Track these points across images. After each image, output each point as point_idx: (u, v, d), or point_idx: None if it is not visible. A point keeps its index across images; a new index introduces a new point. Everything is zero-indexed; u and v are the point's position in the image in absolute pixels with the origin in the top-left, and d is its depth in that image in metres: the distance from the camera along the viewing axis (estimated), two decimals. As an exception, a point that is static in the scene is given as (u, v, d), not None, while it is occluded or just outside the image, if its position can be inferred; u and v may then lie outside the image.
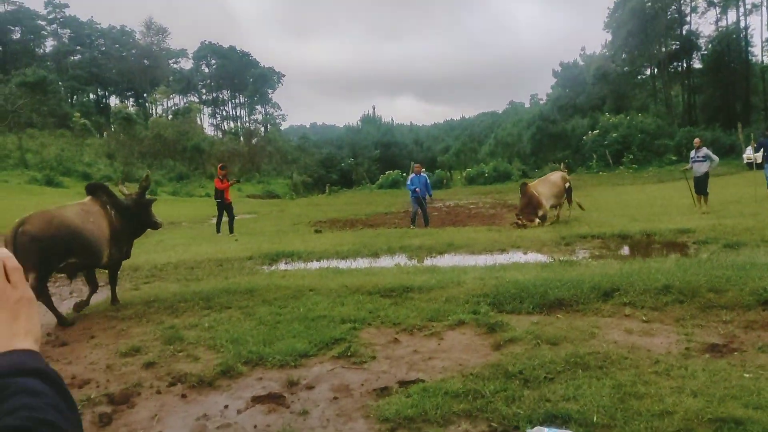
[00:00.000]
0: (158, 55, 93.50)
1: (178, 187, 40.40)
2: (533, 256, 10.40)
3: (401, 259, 10.72)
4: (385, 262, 10.59)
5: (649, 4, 48.00)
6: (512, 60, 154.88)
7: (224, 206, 15.97)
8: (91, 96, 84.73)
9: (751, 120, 40.93)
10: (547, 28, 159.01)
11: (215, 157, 53.03)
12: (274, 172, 55.30)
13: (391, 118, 62.86)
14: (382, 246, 11.64)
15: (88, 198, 6.99)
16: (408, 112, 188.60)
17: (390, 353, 4.82)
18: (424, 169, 17.61)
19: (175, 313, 6.39)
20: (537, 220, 14.32)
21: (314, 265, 10.21)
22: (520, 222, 14.28)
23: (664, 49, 51.13)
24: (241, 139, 65.50)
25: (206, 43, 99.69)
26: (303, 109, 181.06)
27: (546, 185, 14.88)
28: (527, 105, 70.40)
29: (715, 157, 15.52)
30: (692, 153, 15.80)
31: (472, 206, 24.45)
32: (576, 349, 4.49)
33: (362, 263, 10.36)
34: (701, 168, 15.30)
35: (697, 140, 16.09)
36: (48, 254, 5.98)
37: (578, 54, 54.37)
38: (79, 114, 53.72)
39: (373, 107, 57.68)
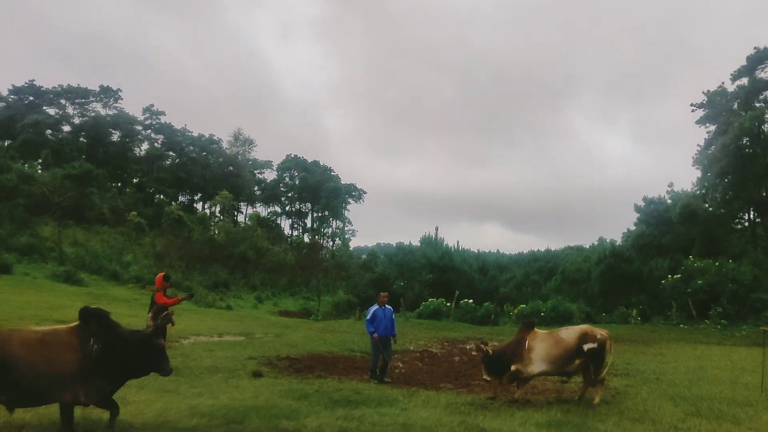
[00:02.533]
0: (243, 165, 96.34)
1: (211, 297, 37.85)
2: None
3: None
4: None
5: (746, 141, 43.34)
6: (601, 193, 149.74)
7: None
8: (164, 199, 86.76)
9: None
10: (636, 161, 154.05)
11: (263, 267, 51.09)
12: (326, 289, 52.39)
13: (457, 242, 59.27)
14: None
15: (74, 324, 6.29)
16: (493, 239, 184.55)
17: None
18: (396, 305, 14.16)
19: None
20: (505, 380, 10.42)
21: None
22: (488, 379, 10.65)
23: (765, 193, 45.59)
24: (300, 250, 63.84)
25: (291, 156, 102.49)
26: (383, 228, 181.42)
27: (547, 342, 10.54)
28: (618, 241, 64.80)
29: None
30: None
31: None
32: None
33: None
34: None
35: None
36: None
37: (665, 190, 49.68)
38: (135, 213, 53.93)
39: (436, 228, 54.55)
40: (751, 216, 48.24)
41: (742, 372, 16.18)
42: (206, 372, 12.47)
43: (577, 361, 10.34)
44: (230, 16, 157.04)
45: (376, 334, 12.80)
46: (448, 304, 33.80)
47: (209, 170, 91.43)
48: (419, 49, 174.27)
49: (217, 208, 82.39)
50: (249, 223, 70.24)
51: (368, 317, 13.25)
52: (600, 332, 10.68)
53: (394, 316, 13.48)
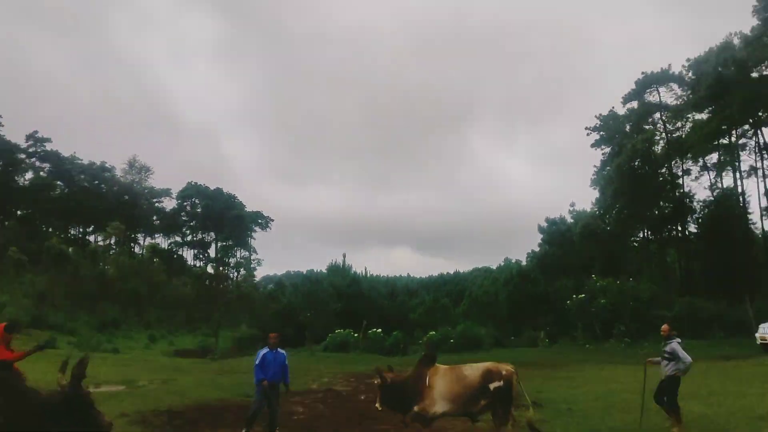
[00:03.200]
0: (139, 193, 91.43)
1: (97, 339, 34.44)
2: None
3: None
4: None
5: (638, 162, 45.15)
6: (505, 214, 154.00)
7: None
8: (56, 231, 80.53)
9: (757, 292, 36.01)
10: (537, 182, 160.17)
11: (159, 302, 47.76)
12: (228, 323, 49.59)
13: (365, 269, 58.02)
14: None
15: None
16: (403, 263, 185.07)
17: None
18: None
19: None
20: (408, 419, 9.23)
21: None
22: (379, 408, 9.63)
23: (656, 212, 47.65)
24: (200, 282, 60.42)
25: (192, 183, 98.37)
26: (293, 256, 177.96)
27: (449, 378, 9.43)
28: (524, 262, 65.86)
29: (687, 358, 10.17)
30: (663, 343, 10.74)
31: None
32: None
33: None
34: (665, 369, 10.37)
35: (665, 327, 10.88)
36: None
37: (567, 210, 51.03)
38: (15, 248, 49.18)
39: (344, 255, 53.07)
40: (646, 234, 50.28)
41: (650, 395, 15.76)
42: None
43: (482, 401, 9.25)
44: (121, 37, 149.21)
45: (265, 381, 10.88)
46: (356, 334, 32.36)
47: (103, 200, 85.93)
48: (322, 73, 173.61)
49: (112, 240, 77.28)
50: (145, 255, 65.93)
51: (257, 362, 11.18)
52: (505, 368, 9.60)
53: (287, 362, 11.52)
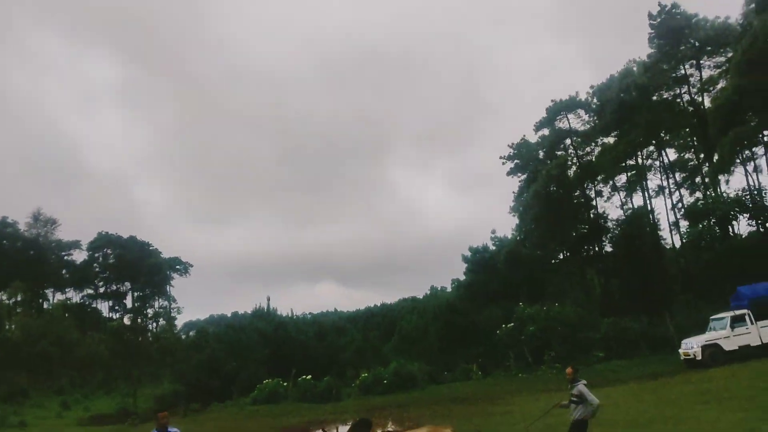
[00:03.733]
0: (46, 247, 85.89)
1: (1, 411, 31.21)
2: None
3: None
4: None
5: (553, 187, 46.40)
6: (428, 243, 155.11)
7: None
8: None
9: (673, 306, 37.38)
10: (457, 209, 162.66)
11: (72, 364, 44.35)
12: (149, 380, 46.63)
13: (291, 310, 56.19)
14: None
15: None
16: (329, 298, 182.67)
17: None
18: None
19: None
20: None
21: None
22: None
23: (573, 234, 49.03)
24: (117, 337, 56.66)
25: (103, 233, 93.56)
26: (215, 299, 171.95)
27: None
28: (449, 289, 65.75)
29: (594, 400, 9.95)
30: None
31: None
32: None
33: None
34: (574, 413, 10.09)
35: (569, 370, 10.58)
36: None
37: (489, 237, 51.61)
38: None
39: (268, 299, 51.21)
40: (566, 254, 51.54)
41: (592, 427, 15.51)
42: None
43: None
44: (15, 83, 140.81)
45: None
46: (285, 383, 30.88)
47: (5, 257, 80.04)
48: (235, 113, 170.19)
49: (17, 299, 71.81)
50: (55, 312, 61.54)
51: None
52: None
53: None
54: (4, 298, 69.74)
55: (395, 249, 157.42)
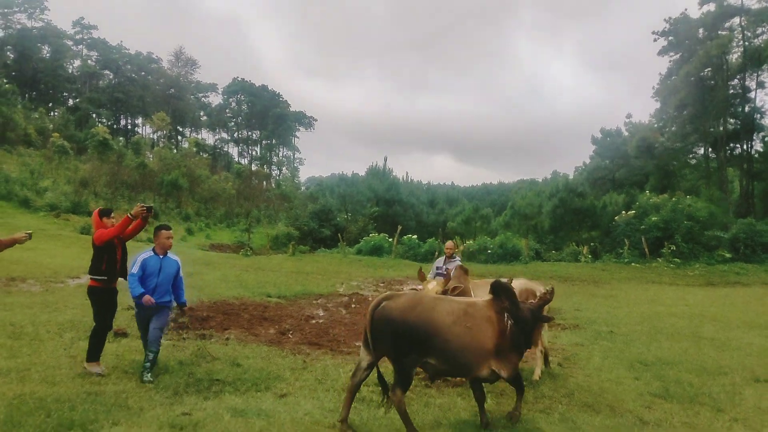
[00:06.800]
0: (185, 87, 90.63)
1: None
2: None
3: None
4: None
5: (708, 72, 41.27)
6: (554, 125, 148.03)
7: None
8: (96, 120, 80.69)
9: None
10: (593, 92, 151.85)
11: (198, 196, 47.76)
12: (267, 221, 49.49)
13: (406, 174, 56.60)
14: None
15: (489, 298, 6.10)
16: (445, 171, 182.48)
17: None
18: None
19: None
20: None
21: None
22: None
23: (721, 128, 44.07)
24: (242, 179, 60.23)
25: (238, 79, 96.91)
26: (338, 157, 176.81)
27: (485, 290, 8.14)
28: (571, 176, 63.21)
29: None
30: None
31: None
32: None
33: None
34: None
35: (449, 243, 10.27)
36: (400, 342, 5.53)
37: (623, 121, 47.71)
38: (58, 134, 49.33)
39: (385, 158, 51.61)
40: (707, 151, 46.92)
41: (701, 320, 14.40)
42: (58, 329, 9.63)
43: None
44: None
45: (148, 297, 7.11)
46: (391, 239, 31.45)
47: (149, 92, 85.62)
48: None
49: (158, 133, 77.50)
50: (188, 149, 65.92)
51: (134, 270, 7.23)
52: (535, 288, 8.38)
53: (181, 273, 7.72)
54: (148, 129, 75.41)
55: (517, 127, 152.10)
